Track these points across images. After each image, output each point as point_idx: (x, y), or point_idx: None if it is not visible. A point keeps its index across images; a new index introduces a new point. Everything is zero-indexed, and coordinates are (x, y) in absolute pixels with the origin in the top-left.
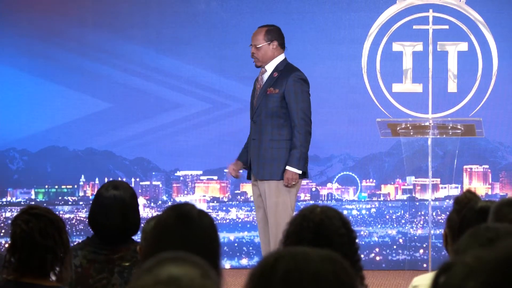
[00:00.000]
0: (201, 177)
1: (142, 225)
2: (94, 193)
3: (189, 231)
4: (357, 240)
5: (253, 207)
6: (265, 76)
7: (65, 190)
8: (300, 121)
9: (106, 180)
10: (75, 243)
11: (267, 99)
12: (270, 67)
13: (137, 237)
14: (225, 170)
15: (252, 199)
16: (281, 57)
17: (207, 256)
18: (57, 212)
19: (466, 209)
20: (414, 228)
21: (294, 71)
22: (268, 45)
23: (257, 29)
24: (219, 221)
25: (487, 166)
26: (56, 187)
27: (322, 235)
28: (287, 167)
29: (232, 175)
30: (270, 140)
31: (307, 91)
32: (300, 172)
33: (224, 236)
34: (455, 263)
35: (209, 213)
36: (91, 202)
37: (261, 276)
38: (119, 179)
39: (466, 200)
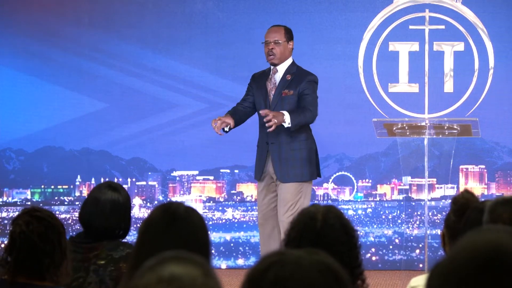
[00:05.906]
0: (197, 177)
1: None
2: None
3: (177, 228)
4: (359, 243)
5: (249, 207)
6: (278, 77)
7: (61, 190)
8: (310, 107)
9: (102, 180)
10: None
11: (282, 101)
12: (281, 68)
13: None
14: (214, 121)
15: (254, 200)
16: (290, 59)
17: (196, 252)
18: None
19: (471, 209)
20: (410, 228)
21: (309, 75)
22: (287, 43)
23: (273, 27)
24: (215, 221)
25: (483, 166)
26: (52, 187)
27: (322, 244)
28: (286, 114)
29: (216, 126)
30: (290, 142)
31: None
32: (287, 125)
33: (220, 236)
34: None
35: (205, 213)
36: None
37: (252, 281)
38: (115, 179)
39: (464, 200)
